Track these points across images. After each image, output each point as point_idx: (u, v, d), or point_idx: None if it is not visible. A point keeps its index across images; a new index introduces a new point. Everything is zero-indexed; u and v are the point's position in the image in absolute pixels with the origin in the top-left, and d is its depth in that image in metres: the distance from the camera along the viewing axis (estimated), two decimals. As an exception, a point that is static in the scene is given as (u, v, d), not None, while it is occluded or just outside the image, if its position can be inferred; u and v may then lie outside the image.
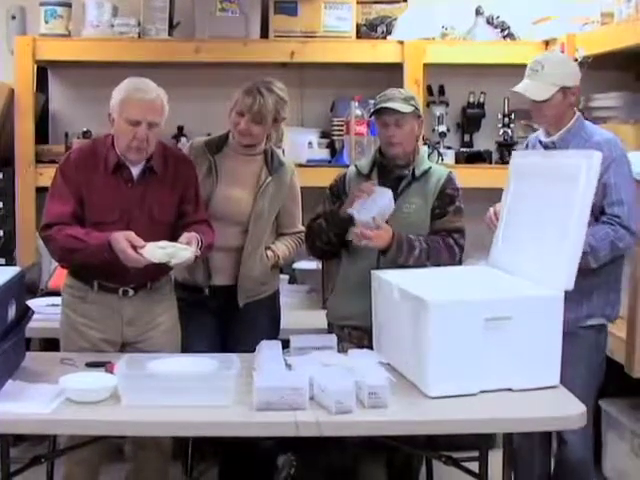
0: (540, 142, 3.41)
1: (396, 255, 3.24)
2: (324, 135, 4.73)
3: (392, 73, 4.54)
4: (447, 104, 4.72)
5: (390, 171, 3.40)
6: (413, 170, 3.38)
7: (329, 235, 3.40)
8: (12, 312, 2.79)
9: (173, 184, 3.18)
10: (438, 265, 3.24)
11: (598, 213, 3.13)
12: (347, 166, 3.82)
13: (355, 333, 3.36)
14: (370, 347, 3.10)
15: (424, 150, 3.51)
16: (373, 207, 3.22)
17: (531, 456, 3.47)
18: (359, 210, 3.22)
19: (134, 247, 2.93)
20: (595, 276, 3.13)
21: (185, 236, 3.05)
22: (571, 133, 3.31)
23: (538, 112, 3.33)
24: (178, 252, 2.97)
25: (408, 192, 3.37)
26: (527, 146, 3.56)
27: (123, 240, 2.93)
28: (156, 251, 2.94)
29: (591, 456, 3.36)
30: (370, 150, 4.35)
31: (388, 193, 3.26)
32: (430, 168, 3.41)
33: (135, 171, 3.12)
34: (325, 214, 3.42)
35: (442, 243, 3.30)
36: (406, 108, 3.31)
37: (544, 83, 3.26)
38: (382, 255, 3.26)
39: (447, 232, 3.34)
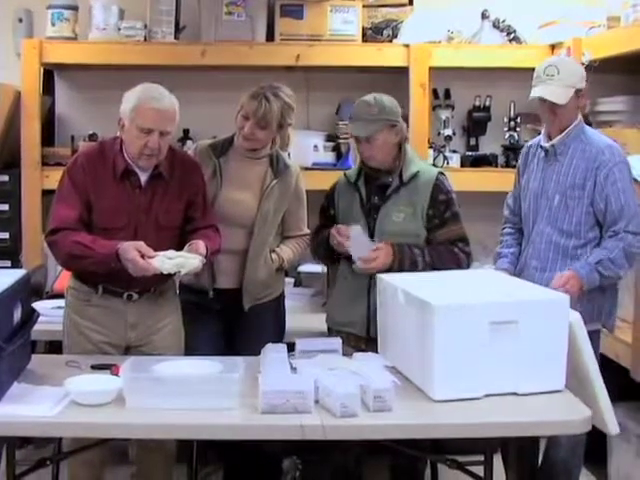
0: (541, 147, 3.42)
1: (399, 271, 3.22)
2: (330, 138, 4.73)
3: (398, 76, 4.53)
4: (453, 108, 4.72)
5: (375, 178, 3.35)
6: (400, 176, 3.31)
7: (330, 255, 3.42)
8: (18, 315, 2.79)
9: (180, 189, 3.18)
10: None
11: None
12: (353, 169, 3.83)
13: (353, 337, 3.35)
14: (367, 351, 3.09)
15: (411, 153, 3.38)
16: (360, 246, 3.22)
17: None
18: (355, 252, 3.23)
19: (142, 256, 2.93)
20: None
21: (194, 243, 3.05)
22: (571, 137, 3.34)
23: (553, 116, 3.33)
24: (187, 262, 2.96)
25: (397, 199, 3.31)
26: (527, 154, 3.54)
27: (133, 250, 2.92)
28: (165, 262, 2.94)
29: (578, 456, 3.41)
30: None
31: (357, 228, 3.25)
32: (418, 172, 3.31)
33: (143, 177, 3.12)
34: (323, 240, 3.38)
35: (447, 253, 3.28)
36: (370, 130, 3.23)
37: (562, 87, 3.27)
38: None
39: (450, 242, 3.31)
